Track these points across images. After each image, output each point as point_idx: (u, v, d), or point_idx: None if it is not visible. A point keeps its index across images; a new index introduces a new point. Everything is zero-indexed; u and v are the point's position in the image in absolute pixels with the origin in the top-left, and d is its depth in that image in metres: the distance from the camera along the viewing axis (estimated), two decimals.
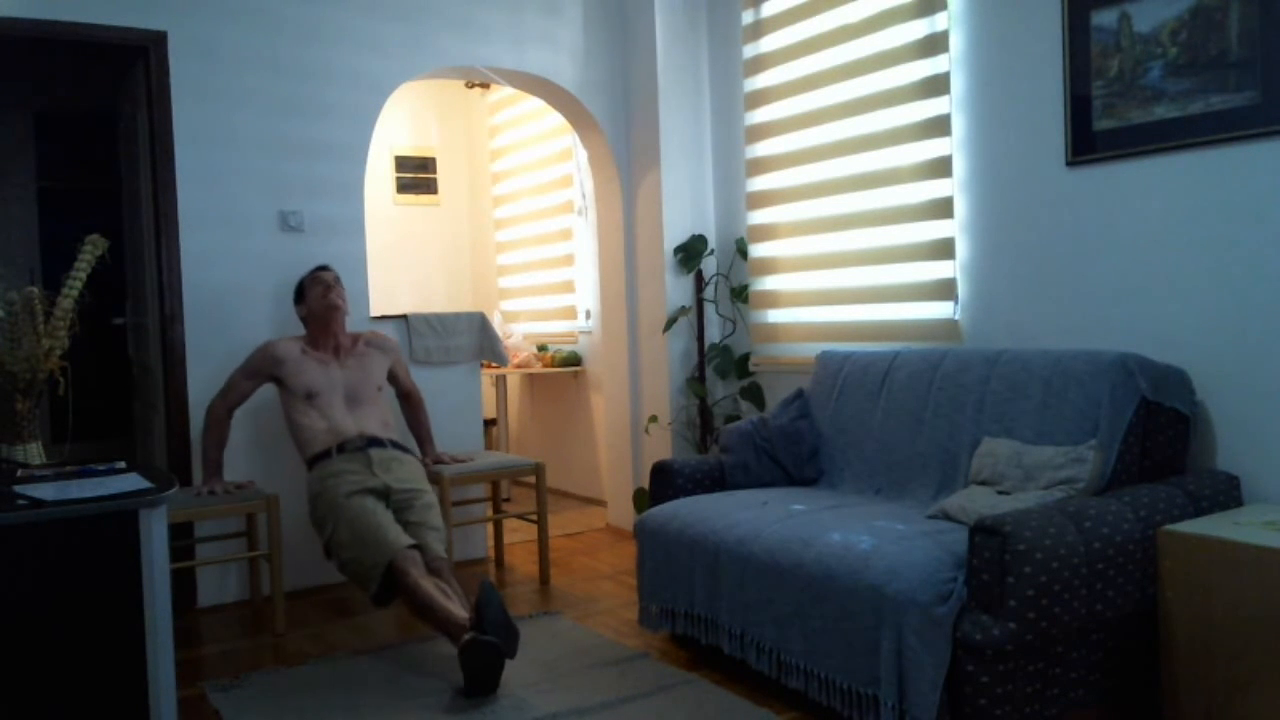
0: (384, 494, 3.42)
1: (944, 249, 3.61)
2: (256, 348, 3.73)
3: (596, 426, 5.69)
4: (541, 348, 5.93)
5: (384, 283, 6.01)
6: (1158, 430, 2.78)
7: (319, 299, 3.75)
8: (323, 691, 2.96)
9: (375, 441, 3.58)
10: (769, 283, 4.42)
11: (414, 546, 3.23)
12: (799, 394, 3.71)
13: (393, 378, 3.97)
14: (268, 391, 3.80)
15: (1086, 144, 3.13)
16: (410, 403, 4.06)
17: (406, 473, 3.54)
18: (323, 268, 3.87)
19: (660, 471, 3.48)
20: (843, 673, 2.54)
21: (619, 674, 3.00)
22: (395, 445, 3.65)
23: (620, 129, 4.88)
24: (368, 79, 4.25)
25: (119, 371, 5.22)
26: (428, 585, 3.09)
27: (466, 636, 2.86)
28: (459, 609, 3.02)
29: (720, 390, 4.67)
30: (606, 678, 2.97)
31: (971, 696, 2.29)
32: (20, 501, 2.06)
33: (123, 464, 2.60)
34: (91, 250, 2.86)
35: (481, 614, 2.88)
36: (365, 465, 3.48)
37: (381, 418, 3.72)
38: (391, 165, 6.49)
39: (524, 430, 6.47)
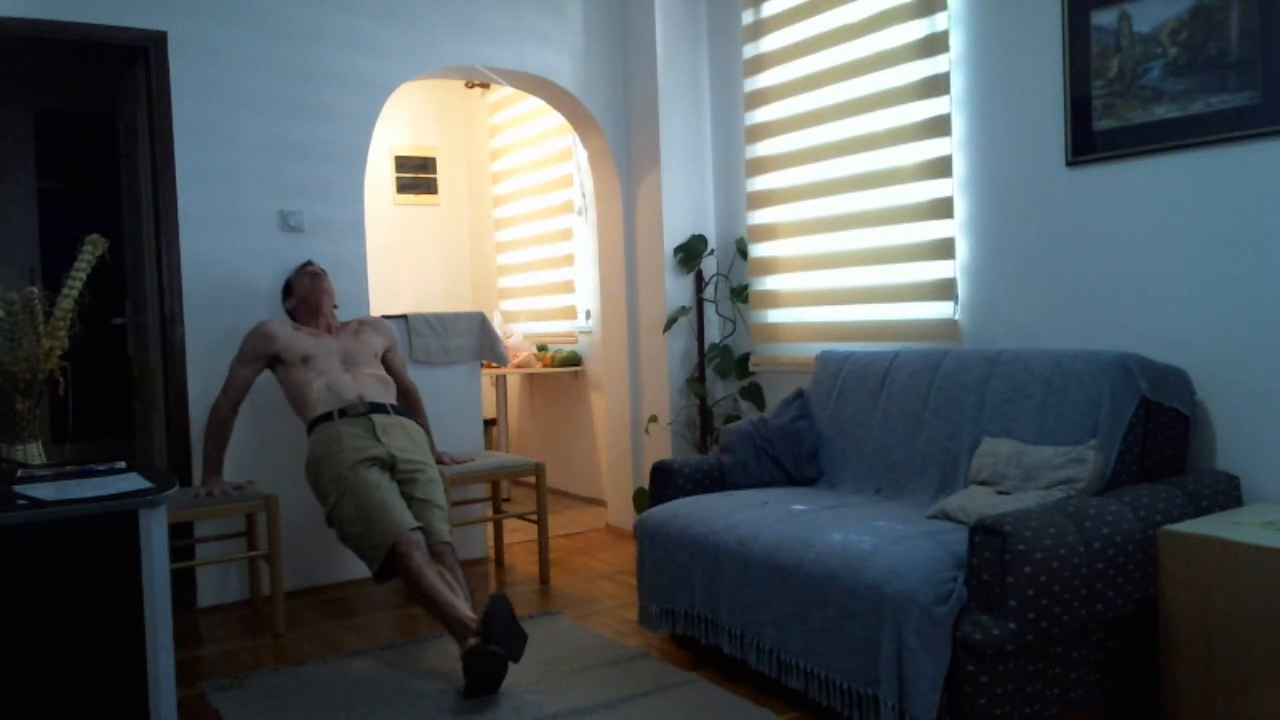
0: (389, 464, 3.41)
1: (944, 249, 3.61)
2: (248, 332, 3.71)
3: (596, 426, 5.69)
4: (541, 348, 5.93)
5: (384, 283, 6.01)
6: (1158, 430, 2.78)
7: (308, 286, 3.79)
8: (323, 691, 2.96)
9: (378, 407, 3.57)
10: (769, 283, 4.42)
11: (418, 528, 3.23)
12: (799, 394, 3.71)
13: (388, 365, 3.93)
14: (269, 391, 3.80)
15: (1086, 144, 3.13)
16: (408, 400, 4.03)
17: (410, 442, 3.54)
18: (308, 263, 3.93)
19: (660, 471, 3.48)
20: (843, 673, 2.54)
21: (619, 674, 3.00)
22: (397, 411, 3.64)
23: (620, 129, 4.88)
24: (368, 79, 4.25)
25: (119, 371, 5.22)
26: (430, 574, 3.09)
27: (473, 642, 2.85)
28: (462, 604, 3.02)
29: (720, 390, 4.67)
30: (606, 678, 2.97)
31: (971, 696, 2.29)
32: (20, 501, 2.06)
33: (123, 464, 2.60)
34: (91, 250, 2.86)
35: (490, 624, 2.85)
36: (368, 430, 3.47)
37: (382, 380, 3.72)
38: (391, 165, 6.49)
39: (524, 430, 6.47)
